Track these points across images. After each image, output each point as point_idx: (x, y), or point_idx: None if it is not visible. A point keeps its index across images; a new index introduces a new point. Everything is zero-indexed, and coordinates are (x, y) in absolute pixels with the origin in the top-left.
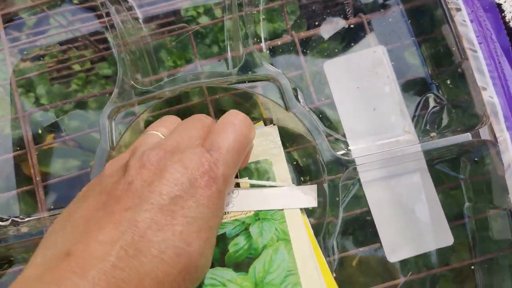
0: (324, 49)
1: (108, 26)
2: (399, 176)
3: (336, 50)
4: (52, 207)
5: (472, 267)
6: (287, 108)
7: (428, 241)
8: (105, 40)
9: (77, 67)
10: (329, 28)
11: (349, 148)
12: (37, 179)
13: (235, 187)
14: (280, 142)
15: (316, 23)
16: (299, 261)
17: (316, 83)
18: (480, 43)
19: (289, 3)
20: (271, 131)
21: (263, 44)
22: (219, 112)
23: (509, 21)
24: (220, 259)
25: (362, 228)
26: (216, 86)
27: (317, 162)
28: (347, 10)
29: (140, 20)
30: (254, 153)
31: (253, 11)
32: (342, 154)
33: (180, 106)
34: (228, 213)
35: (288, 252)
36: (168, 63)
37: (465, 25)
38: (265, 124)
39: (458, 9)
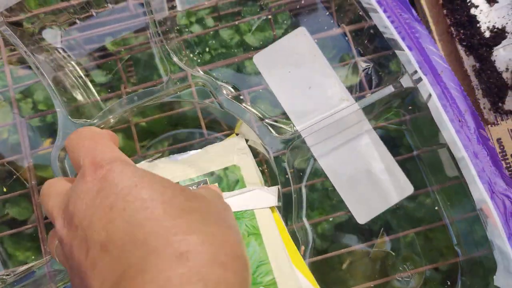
0: (250, 43)
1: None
2: (349, 142)
3: (261, 42)
4: None
5: (436, 207)
6: (222, 107)
7: (392, 195)
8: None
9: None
10: (250, 22)
11: (295, 128)
12: (33, 183)
13: None
14: (247, 149)
15: (237, 22)
16: (270, 252)
17: (248, 77)
18: (377, 1)
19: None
20: (237, 140)
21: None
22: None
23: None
24: None
25: (328, 199)
26: (152, 103)
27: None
28: (261, 1)
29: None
30: (223, 160)
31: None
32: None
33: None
34: None
35: (259, 244)
36: (101, 93)
37: None
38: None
39: None
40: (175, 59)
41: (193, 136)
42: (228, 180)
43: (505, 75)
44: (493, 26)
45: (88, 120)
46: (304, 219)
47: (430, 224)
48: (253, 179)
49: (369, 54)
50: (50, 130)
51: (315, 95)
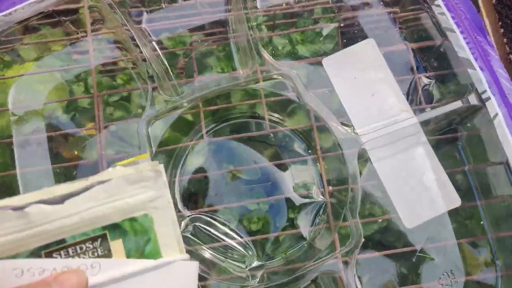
0: (321, 47)
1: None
2: (404, 151)
3: (332, 47)
4: None
5: (482, 222)
6: (300, 100)
7: (439, 205)
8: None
9: (122, 64)
10: (324, 28)
11: (355, 131)
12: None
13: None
14: (166, 190)
15: (310, 26)
16: None
17: (316, 79)
18: (456, 23)
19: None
20: (153, 175)
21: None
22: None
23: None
24: None
25: (379, 201)
26: (234, 88)
27: (333, 143)
28: (336, 12)
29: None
30: (130, 205)
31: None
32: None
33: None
34: None
35: None
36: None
37: (441, 9)
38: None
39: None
40: (264, 52)
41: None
42: (137, 236)
43: None
44: None
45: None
46: (357, 218)
47: (474, 237)
48: (170, 240)
49: (433, 70)
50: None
51: (377, 103)
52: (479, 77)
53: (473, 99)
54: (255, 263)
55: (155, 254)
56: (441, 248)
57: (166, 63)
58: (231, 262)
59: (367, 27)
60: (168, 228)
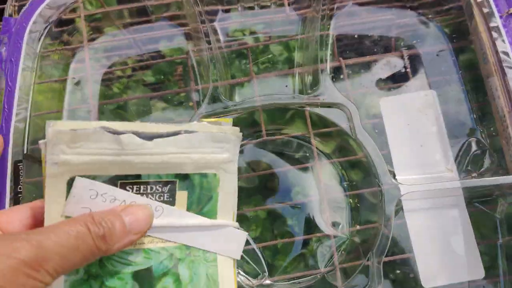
0: (380, 87)
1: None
2: (439, 209)
3: (391, 89)
4: None
5: None
6: (353, 134)
7: (461, 272)
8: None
9: (118, 73)
10: (387, 68)
11: (396, 177)
12: None
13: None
14: (237, 153)
15: (376, 61)
16: None
17: (370, 117)
18: None
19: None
20: (233, 139)
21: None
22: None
23: None
24: None
25: (402, 252)
26: (287, 106)
27: (371, 182)
28: (405, 55)
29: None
30: (204, 161)
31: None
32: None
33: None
34: (151, 237)
35: None
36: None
37: None
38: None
39: (510, 67)
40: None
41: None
42: (201, 193)
43: None
44: None
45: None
46: (381, 264)
47: None
48: (228, 206)
49: (490, 137)
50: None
51: (424, 155)
52: None
53: None
54: (266, 281)
55: (212, 214)
56: None
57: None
58: (241, 274)
59: (431, 76)
60: (229, 193)
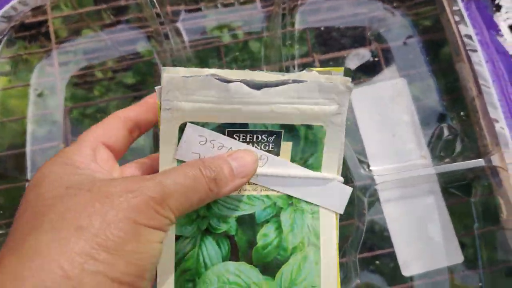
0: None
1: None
2: (415, 197)
3: (361, 80)
4: None
5: (480, 284)
6: None
7: (440, 258)
8: (133, 51)
9: (99, 75)
10: (356, 59)
11: (370, 168)
12: None
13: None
14: (346, 105)
15: (344, 54)
16: (323, 276)
17: None
18: (493, 81)
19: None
20: (343, 89)
21: (296, 63)
22: None
23: None
24: (247, 253)
25: (380, 242)
26: None
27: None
28: (373, 45)
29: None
30: (311, 112)
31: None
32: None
33: None
34: (255, 185)
35: (316, 263)
36: None
37: (481, 65)
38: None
39: (474, 50)
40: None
41: None
42: (306, 145)
43: None
44: None
45: None
46: (357, 256)
47: None
48: (333, 160)
49: (460, 122)
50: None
51: (396, 144)
52: (507, 140)
53: (496, 160)
54: None
55: (316, 167)
56: None
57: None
58: None
59: (401, 65)
60: (335, 147)
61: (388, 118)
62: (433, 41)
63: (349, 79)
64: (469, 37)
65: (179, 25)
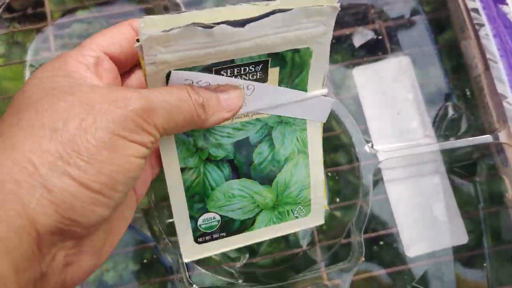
0: (354, 57)
1: None
2: (419, 177)
3: (365, 59)
4: None
5: (484, 264)
6: None
7: (445, 239)
8: None
9: None
10: (360, 37)
11: (374, 147)
12: None
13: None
14: (332, 24)
15: (347, 32)
16: (312, 177)
17: (343, 85)
18: (501, 56)
19: None
20: (330, 11)
21: None
22: None
23: None
24: (246, 171)
25: (384, 222)
26: None
27: (347, 156)
28: (376, 23)
29: None
30: (296, 37)
31: None
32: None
33: None
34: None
35: (305, 167)
36: None
37: (488, 39)
38: None
39: (482, 25)
40: None
41: None
42: (293, 67)
43: None
44: None
45: None
46: (362, 236)
47: (474, 280)
48: (319, 74)
49: (466, 100)
50: None
51: (401, 123)
52: None
53: (503, 137)
54: (245, 260)
55: (303, 84)
56: (438, 283)
57: None
58: (226, 254)
59: (404, 43)
60: (321, 63)
61: (392, 97)
62: (438, 18)
63: (337, 2)
64: (476, 11)
65: (179, 0)
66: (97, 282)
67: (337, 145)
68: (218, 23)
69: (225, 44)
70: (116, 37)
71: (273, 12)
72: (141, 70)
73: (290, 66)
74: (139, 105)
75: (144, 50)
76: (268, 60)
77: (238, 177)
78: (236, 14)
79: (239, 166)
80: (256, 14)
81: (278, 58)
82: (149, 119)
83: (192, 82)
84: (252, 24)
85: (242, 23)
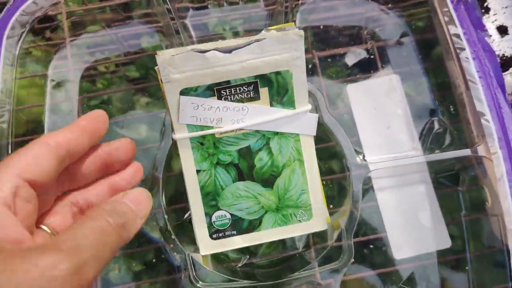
0: (347, 74)
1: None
2: (407, 186)
3: (358, 76)
4: None
5: (467, 267)
6: (320, 120)
7: (430, 243)
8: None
9: (102, 69)
10: (353, 56)
11: (365, 158)
12: None
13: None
14: (303, 53)
15: (342, 51)
16: (309, 182)
17: (339, 102)
18: (480, 77)
19: (311, 28)
20: (297, 38)
21: None
22: None
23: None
24: (249, 174)
25: (374, 227)
26: None
27: (341, 166)
28: (369, 43)
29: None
30: (276, 61)
31: None
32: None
33: None
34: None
35: (302, 173)
36: None
37: (468, 62)
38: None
39: (462, 49)
40: None
41: None
42: (279, 87)
43: (510, 98)
44: (503, 54)
45: None
46: (352, 239)
47: (457, 281)
48: (302, 93)
49: (449, 116)
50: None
51: (390, 136)
52: (491, 131)
53: (481, 151)
54: (246, 260)
55: (291, 102)
56: (423, 284)
57: None
58: (228, 255)
59: (395, 62)
60: (302, 84)
61: (382, 112)
62: (425, 40)
63: (301, 31)
64: (458, 36)
65: (187, 21)
66: (102, 280)
67: (331, 156)
68: (210, 50)
69: (217, 66)
70: (35, 159)
71: (252, 42)
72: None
73: (276, 86)
74: (70, 269)
75: (160, 70)
76: (257, 81)
77: (243, 179)
78: (226, 44)
79: (243, 170)
80: (242, 44)
81: (265, 80)
82: (82, 280)
83: (198, 105)
84: (236, 50)
85: (229, 50)
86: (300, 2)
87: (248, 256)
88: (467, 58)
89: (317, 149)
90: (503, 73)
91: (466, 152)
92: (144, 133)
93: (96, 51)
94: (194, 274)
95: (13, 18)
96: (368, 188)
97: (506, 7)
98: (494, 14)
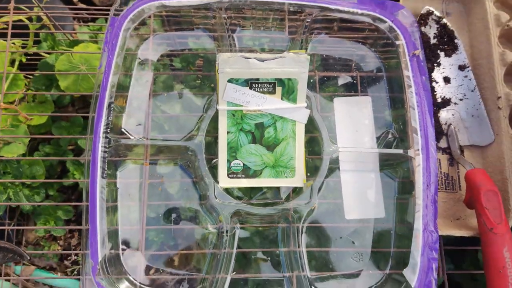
0: (336, 91)
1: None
2: (362, 171)
3: (342, 94)
4: None
5: (391, 231)
6: (311, 115)
7: (371, 212)
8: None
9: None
10: (342, 80)
11: (338, 147)
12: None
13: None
14: (307, 70)
15: (335, 75)
16: (297, 152)
17: (327, 109)
18: (417, 106)
19: (317, 55)
20: (305, 60)
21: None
22: None
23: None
24: (260, 140)
25: (335, 194)
26: None
27: (320, 149)
28: (354, 72)
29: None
30: (289, 71)
31: None
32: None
33: None
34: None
35: (293, 146)
36: None
37: (412, 95)
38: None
39: (410, 86)
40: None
41: None
42: (289, 88)
43: (444, 127)
44: (444, 96)
45: None
46: (317, 195)
47: (383, 241)
48: (302, 95)
49: (398, 130)
50: None
51: (358, 137)
52: (419, 141)
53: (411, 152)
54: (246, 199)
55: (295, 98)
56: (360, 238)
57: None
58: (236, 194)
59: (369, 88)
60: (303, 89)
61: (355, 120)
62: (392, 76)
63: (308, 56)
64: (408, 77)
65: (234, 35)
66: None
67: (315, 142)
68: (252, 58)
69: (254, 68)
70: None
71: (277, 57)
72: None
73: (287, 87)
74: None
75: (219, 65)
76: (275, 82)
77: (255, 143)
78: (262, 56)
79: (256, 137)
80: (271, 58)
81: (281, 82)
82: None
83: (236, 90)
84: (267, 61)
85: (263, 60)
86: (313, 36)
87: (247, 198)
88: (412, 92)
89: (305, 136)
90: (442, 109)
91: (400, 151)
92: (178, 110)
93: (166, 43)
94: (214, 190)
95: (130, 16)
96: (336, 167)
97: (452, 65)
98: (443, 68)
